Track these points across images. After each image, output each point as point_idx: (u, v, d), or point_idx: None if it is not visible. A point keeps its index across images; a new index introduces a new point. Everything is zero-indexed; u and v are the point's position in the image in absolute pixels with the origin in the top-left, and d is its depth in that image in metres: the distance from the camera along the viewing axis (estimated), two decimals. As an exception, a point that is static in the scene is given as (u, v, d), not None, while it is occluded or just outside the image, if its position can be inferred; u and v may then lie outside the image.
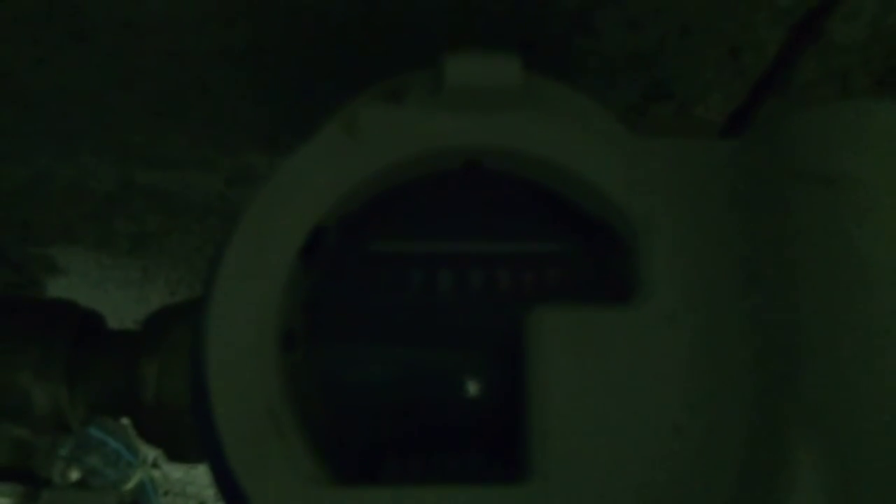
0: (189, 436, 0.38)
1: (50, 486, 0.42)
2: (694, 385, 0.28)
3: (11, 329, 0.41)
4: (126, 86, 0.43)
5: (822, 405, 0.26)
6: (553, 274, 0.31)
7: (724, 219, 0.29)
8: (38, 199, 0.58)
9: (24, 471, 0.40)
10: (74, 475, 0.86)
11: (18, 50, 0.40)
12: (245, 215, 0.29)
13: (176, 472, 1.04)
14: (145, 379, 0.38)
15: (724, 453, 0.27)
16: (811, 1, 0.35)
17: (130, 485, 0.92)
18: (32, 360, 0.39)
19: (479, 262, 0.31)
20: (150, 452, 0.99)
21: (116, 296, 0.73)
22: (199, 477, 1.06)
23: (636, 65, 0.38)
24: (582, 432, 0.27)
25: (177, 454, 0.39)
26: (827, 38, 0.37)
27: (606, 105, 0.32)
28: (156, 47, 0.39)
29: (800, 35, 0.36)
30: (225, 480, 0.27)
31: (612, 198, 0.29)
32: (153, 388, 0.38)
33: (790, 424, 0.26)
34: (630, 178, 0.29)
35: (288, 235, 0.29)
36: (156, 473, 1.01)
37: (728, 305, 0.28)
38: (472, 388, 0.30)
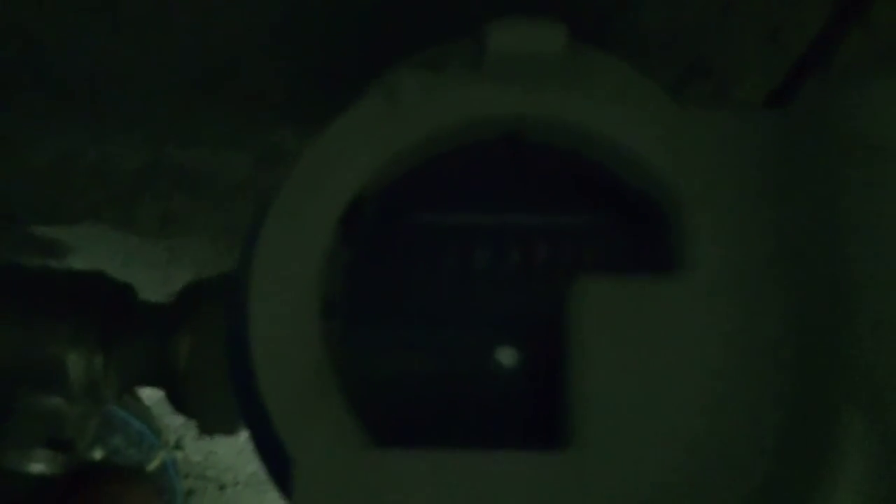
0: (222, 407, 0.38)
1: (81, 455, 0.42)
2: (735, 358, 0.28)
3: (44, 302, 0.41)
4: (156, 63, 0.43)
5: (873, 381, 0.25)
6: (590, 246, 0.31)
7: (767, 190, 0.29)
8: (65, 179, 0.58)
9: (57, 440, 0.41)
10: (98, 454, 0.86)
11: (47, 27, 0.40)
12: (285, 184, 0.29)
13: (196, 455, 1.04)
14: (178, 350, 0.38)
15: (764, 428, 0.27)
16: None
17: (153, 465, 0.93)
18: (66, 331, 0.40)
19: (516, 235, 0.31)
20: (172, 435, 1.00)
21: (141, 276, 0.73)
22: (219, 461, 1.07)
23: (674, 42, 0.38)
24: (621, 402, 0.27)
25: (210, 426, 0.39)
26: (871, 17, 0.36)
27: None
28: (187, 23, 0.39)
29: (844, 14, 0.36)
30: (267, 444, 0.27)
31: (654, 169, 0.29)
32: (186, 358, 0.38)
33: (837, 401, 0.26)
34: (674, 150, 0.29)
35: (328, 205, 0.29)
36: (177, 455, 1.02)
37: (771, 278, 0.28)
38: (509, 361, 0.30)
